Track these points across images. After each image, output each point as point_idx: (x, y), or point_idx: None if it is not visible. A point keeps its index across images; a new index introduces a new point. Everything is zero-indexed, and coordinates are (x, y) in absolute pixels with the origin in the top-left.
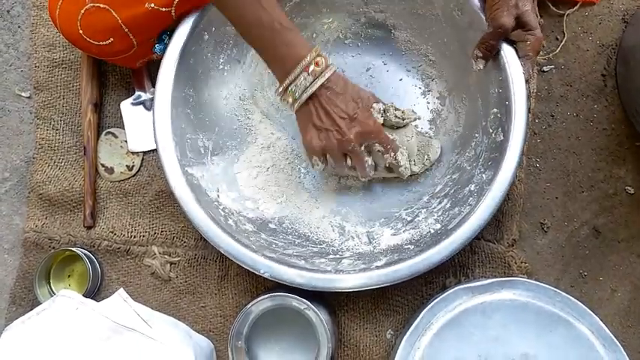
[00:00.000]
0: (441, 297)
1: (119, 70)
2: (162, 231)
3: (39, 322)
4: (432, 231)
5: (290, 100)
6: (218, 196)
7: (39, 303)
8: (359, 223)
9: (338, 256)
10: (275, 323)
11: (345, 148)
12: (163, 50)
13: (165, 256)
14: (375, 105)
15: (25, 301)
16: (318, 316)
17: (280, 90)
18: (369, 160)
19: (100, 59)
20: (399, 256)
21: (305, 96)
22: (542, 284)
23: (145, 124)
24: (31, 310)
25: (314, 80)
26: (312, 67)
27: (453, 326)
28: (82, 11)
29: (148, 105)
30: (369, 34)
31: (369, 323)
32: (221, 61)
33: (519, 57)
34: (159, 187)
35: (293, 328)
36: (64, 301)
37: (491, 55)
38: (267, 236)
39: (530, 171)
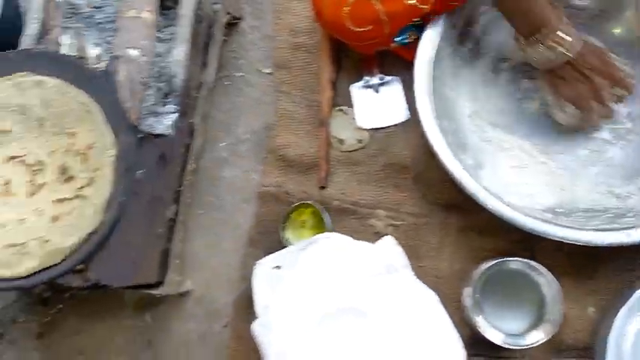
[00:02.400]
0: None
1: (351, 56)
2: (386, 198)
3: (309, 256)
4: None
5: (539, 55)
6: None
7: (275, 247)
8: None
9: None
10: (497, 285)
11: (596, 96)
12: (402, 42)
13: (389, 219)
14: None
15: (260, 243)
16: (550, 281)
17: (529, 42)
18: (614, 106)
19: (340, 44)
20: None
21: (560, 59)
22: None
23: (374, 104)
24: (266, 252)
25: (564, 43)
26: (562, 33)
27: None
28: (351, 1)
29: (376, 88)
30: None
31: (573, 300)
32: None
33: None
34: (387, 160)
35: (509, 291)
36: (328, 242)
37: None
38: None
39: None
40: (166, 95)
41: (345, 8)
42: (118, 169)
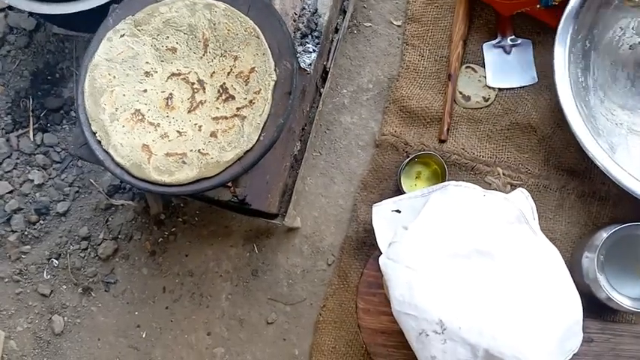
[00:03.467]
0: None
1: (484, 16)
2: (507, 157)
3: (440, 200)
4: None
5: None
6: None
7: (388, 193)
8: None
9: None
10: (620, 251)
11: None
12: (548, 4)
13: (508, 178)
14: None
15: (375, 188)
16: None
17: None
18: None
19: (476, 2)
20: None
21: None
22: None
23: (504, 64)
24: (380, 197)
25: None
26: None
27: None
28: None
29: (508, 49)
30: None
31: None
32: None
33: None
34: (512, 119)
35: (633, 257)
36: (458, 190)
37: None
38: None
39: None
40: (304, 35)
41: None
42: (277, 93)
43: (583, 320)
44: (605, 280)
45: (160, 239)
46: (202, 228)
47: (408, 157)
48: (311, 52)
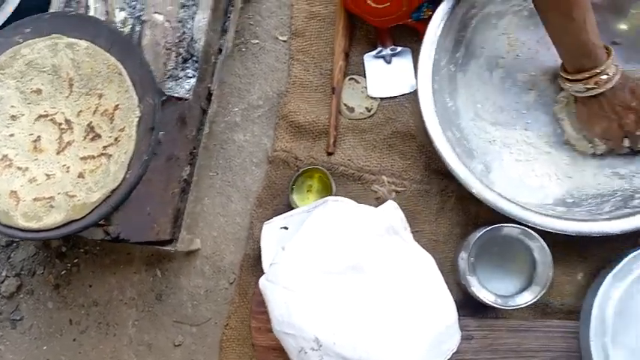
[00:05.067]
0: None
1: (365, 27)
2: (391, 165)
3: (317, 217)
4: None
5: (578, 90)
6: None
7: (282, 208)
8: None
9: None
10: (490, 249)
11: (625, 132)
12: (419, 18)
13: (392, 185)
14: None
15: (269, 205)
16: (542, 247)
17: (573, 79)
18: None
19: (354, 16)
20: None
21: (593, 92)
22: None
23: (385, 74)
24: (274, 213)
25: (606, 83)
26: (606, 76)
27: None
28: None
29: (388, 59)
30: None
31: (563, 265)
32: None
33: None
34: (394, 128)
35: (503, 255)
36: (336, 204)
37: None
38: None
39: None
40: (185, 60)
41: None
42: (141, 129)
43: (463, 319)
44: (477, 279)
45: (63, 271)
46: (104, 257)
47: (299, 171)
48: (191, 78)
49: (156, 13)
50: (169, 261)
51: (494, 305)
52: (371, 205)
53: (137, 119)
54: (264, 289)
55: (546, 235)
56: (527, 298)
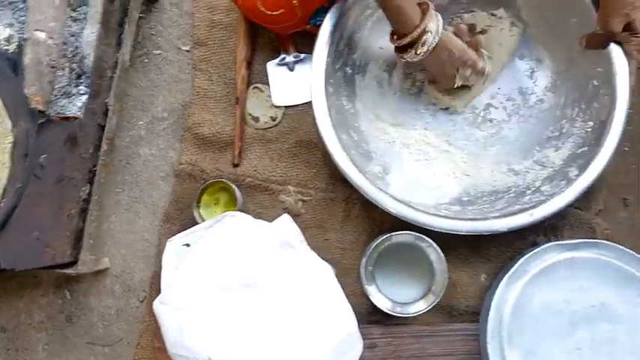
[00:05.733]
0: (536, 250)
1: (267, 35)
2: (297, 174)
3: (213, 233)
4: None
5: (419, 51)
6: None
7: (190, 223)
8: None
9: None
10: (393, 257)
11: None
12: (316, 24)
13: (299, 195)
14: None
15: (177, 220)
16: (438, 253)
17: (409, 40)
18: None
19: (256, 24)
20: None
21: (433, 44)
22: (622, 247)
23: (288, 82)
24: (182, 229)
25: (430, 43)
26: (433, 26)
27: (545, 275)
28: None
29: (291, 66)
30: None
31: (467, 267)
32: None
33: (625, 55)
34: (298, 137)
35: (406, 263)
36: (233, 220)
37: (597, 49)
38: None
39: (619, 153)
40: (79, 76)
41: None
42: (16, 155)
43: (366, 327)
44: (375, 287)
45: None
46: (11, 280)
47: (204, 184)
48: (83, 94)
49: (37, 30)
50: (78, 282)
51: (391, 313)
52: (279, 215)
53: (10, 145)
54: (157, 312)
55: (451, 236)
56: (421, 305)
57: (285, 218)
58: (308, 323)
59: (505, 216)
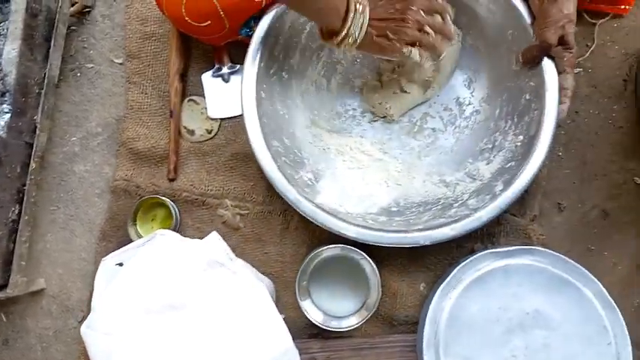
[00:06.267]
0: (471, 259)
1: (201, 46)
2: (234, 187)
3: (141, 253)
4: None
5: (350, 40)
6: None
7: (127, 241)
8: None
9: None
10: (330, 270)
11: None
12: (248, 34)
13: (236, 209)
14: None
15: (113, 238)
16: (372, 266)
17: (341, 37)
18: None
19: (189, 35)
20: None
21: (363, 31)
22: (556, 254)
23: (223, 94)
24: (119, 246)
25: (363, 14)
26: (359, 6)
27: (480, 283)
28: None
29: (226, 77)
30: None
31: (406, 276)
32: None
33: (558, 71)
34: (234, 150)
35: (344, 275)
36: (163, 239)
37: (532, 64)
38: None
39: (553, 158)
40: (3, 94)
41: (183, 4)
42: None
43: (306, 341)
44: (310, 301)
45: None
46: None
47: (140, 201)
48: (6, 113)
49: None
50: (14, 303)
51: (326, 328)
52: (219, 229)
53: None
54: (84, 336)
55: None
56: (353, 321)
57: (214, 236)
58: (239, 342)
59: (427, 229)
